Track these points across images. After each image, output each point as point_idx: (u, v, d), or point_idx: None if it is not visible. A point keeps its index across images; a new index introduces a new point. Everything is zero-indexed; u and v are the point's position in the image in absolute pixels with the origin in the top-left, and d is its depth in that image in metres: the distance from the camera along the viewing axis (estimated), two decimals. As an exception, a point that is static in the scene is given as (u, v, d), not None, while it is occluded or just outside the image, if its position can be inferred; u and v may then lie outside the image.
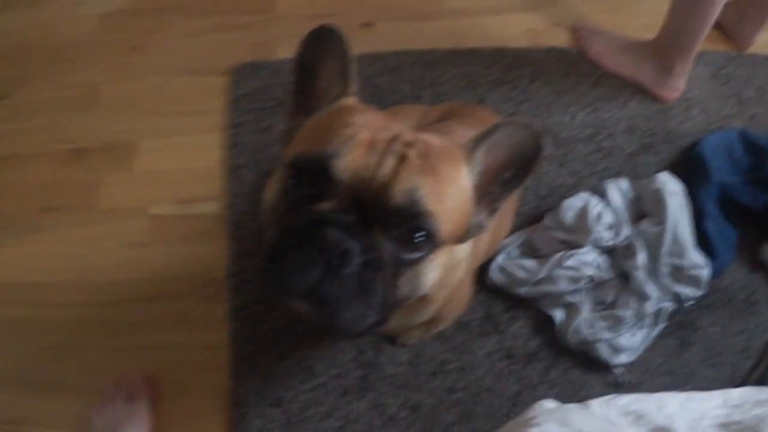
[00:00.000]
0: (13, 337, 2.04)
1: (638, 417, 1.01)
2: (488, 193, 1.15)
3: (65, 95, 2.41)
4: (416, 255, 1.03)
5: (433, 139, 1.10)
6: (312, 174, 1.00)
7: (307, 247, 0.97)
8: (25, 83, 2.45)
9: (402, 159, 1.00)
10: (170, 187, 2.20)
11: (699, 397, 1.07)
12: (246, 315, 1.97)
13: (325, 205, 0.99)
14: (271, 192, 1.11)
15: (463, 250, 1.25)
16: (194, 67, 2.43)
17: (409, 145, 1.03)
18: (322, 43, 1.13)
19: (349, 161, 0.98)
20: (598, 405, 1.06)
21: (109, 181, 2.23)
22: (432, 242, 1.02)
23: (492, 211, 1.17)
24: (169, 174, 2.23)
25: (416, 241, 1.01)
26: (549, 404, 1.19)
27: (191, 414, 1.91)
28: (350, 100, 1.16)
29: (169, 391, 1.93)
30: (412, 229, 1.00)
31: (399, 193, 0.97)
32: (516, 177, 1.13)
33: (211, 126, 2.31)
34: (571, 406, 1.09)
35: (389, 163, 0.99)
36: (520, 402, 1.88)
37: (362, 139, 1.01)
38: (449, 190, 1.04)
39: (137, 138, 2.30)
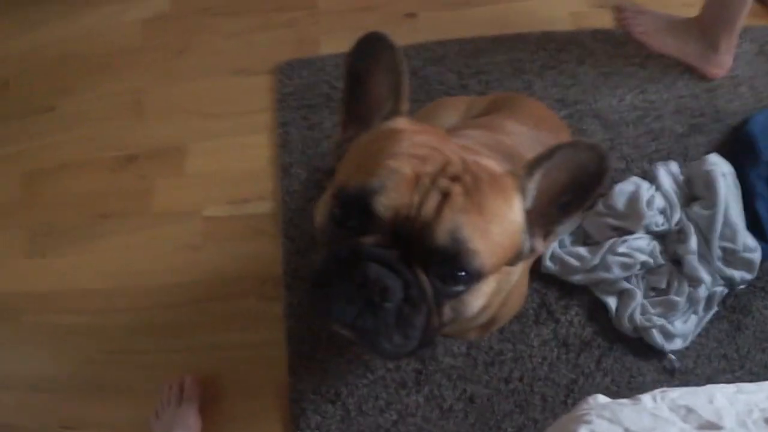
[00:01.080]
0: (76, 344, 2.12)
1: (688, 411, 1.01)
2: (544, 216, 1.10)
3: (111, 103, 2.46)
4: (459, 288, 1.02)
5: (483, 166, 1.06)
6: (356, 207, 0.99)
7: (349, 280, 0.98)
8: (70, 94, 2.50)
9: (446, 196, 0.98)
10: (222, 189, 2.25)
11: (749, 389, 1.07)
12: (303, 312, 2.01)
13: (368, 239, 0.99)
14: (319, 215, 1.11)
15: None
16: (239, 67, 2.46)
17: (455, 178, 1.00)
18: (372, 51, 1.08)
19: (392, 199, 0.97)
20: (649, 399, 1.07)
21: (161, 185, 2.29)
22: (476, 277, 1.01)
23: (548, 234, 1.12)
24: (220, 175, 2.27)
25: (459, 277, 1.00)
26: (601, 399, 1.18)
27: (252, 411, 1.98)
28: (400, 122, 1.12)
29: (230, 389, 2.00)
30: (454, 267, 0.99)
31: (441, 232, 0.96)
32: (576, 200, 1.07)
33: (260, 125, 2.34)
34: (623, 401, 1.09)
35: (432, 201, 0.97)
36: (576, 391, 1.91)
37: (407, 173, 0.98)
38: (495, 226, 1.01)
39: (186, 141, 2.34)
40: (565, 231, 2.04)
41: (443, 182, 0.99)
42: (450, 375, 1.94)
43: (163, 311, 2.12)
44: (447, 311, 1.05)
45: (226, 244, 2.18)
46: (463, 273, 0.99)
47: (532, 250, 1.12)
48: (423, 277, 0.99)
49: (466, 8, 2.53)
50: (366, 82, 1.12)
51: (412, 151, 1.03)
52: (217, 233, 2.20)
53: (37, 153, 2.43)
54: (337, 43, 2.44)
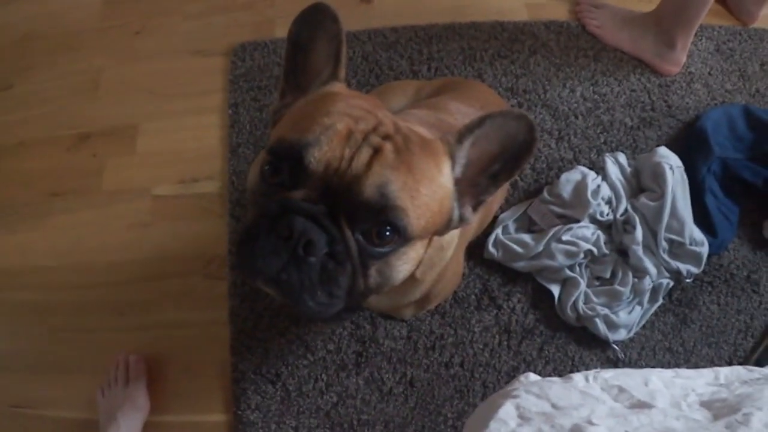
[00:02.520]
0: (23, 321, 2.07)
1: (620, 391, 0.99)
2: (474, 186, 1.09)
3: (69, 82, 2.43)
4: (385, 249, 1.00)
5: (414, 131, 1.05)
6: (288, 161, 0.98)
7: (275, 234, 0.96)
8: (28, 73, 2.47)
9: (377, 152, 0.97)
10: (172, 168, 2.22)
11: (687, 374, 1.06)
12: (246, 292, 1.97)
13: (297, 194, 0.97)
14: (252, 174, 1.09)
15: (452, 232, 1.21)
16: (195, 49, 2.43)
17: (387, 137, 1.00)
18: (315, 22, 1.08)
19: (324, 152, 0.96)
20: (581, 378, 1.05)
21: (113, 163, 2.25)
22: (402, 237, 0.99)
23: (478, 204, 1.11)
24: (171, 155, 2.24)
25: (385, 235, 0.98)
26: (532, 377, 1.18)
27: (196, 390, 1.93)
28: (337, 86, 1.13)
29: (174, 368, 1.95)
30: (380, 223, 0.97)
31: (369, 186, 0.95)
32: (505, 170, 1.06)
33: (212, 106, 2.31)
34: (554, 379, 1.08)
35: (363, 155, 0.97)
36: (513, 380, 1.85)
37: (340, 129, 0.98)
38: (424, 187, 0.99)
39: (139, 120, 2.31)
40: (508, 217, 2.02)
41: (374, 139, 0.99)
42: (390, 358, 1.90)
43: (111, 289, 2.07)
44: (373, 274, 1.03)
45: (174, 223, 2.14)
46: (389, 231, 0.98)
47: (462, 219, 1.11)
48: (348, 234, 0.98)
49: None
50: (307, 50, 1.12)
51: (347, 111, 1.02)
52: (166, 212, 2.16)
53: (-6, 131, 2.39)
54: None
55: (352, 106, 1.04)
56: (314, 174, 0.96)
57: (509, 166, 1.05)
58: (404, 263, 1.05)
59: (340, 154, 0.96)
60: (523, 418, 0.95)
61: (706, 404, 0.94)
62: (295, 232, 0.94)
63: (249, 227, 1.00)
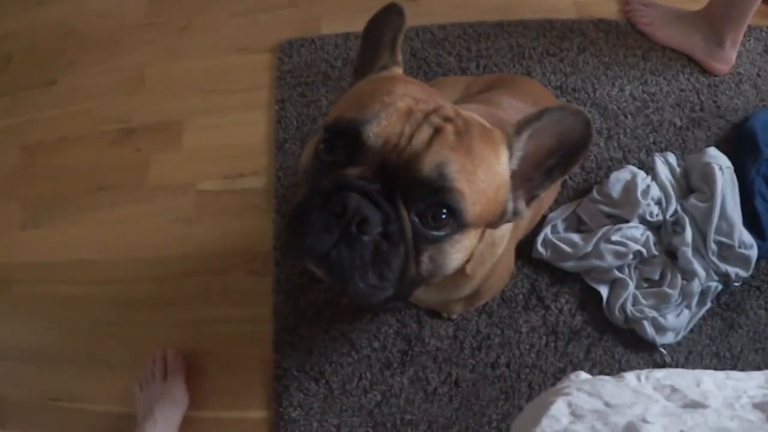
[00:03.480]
0: (66, 315, 2.09)
1: (673, 391, 0.97)
2: (529, 180, 1.08)
3: (113, 78, 2.44)
4: (440, 233, 0.98)
5: (476, 118, 1.05)
6: (345, 138, 0.97)
7: (328, 211, 0.94)
8: (72, 68, 2.49)
9: (438, 132, 0.96)
10: (217, 164, 2.22)
11: (738, 377, 1.03)
12: (290, 288, 1.97)
13: (352, 171, 0.96)
14: (306, 154, 1.09)
15: (504, 227, 1.21)
16: (240, 46, 2.44)
17: (448, 119, 0.99)
18: (386, 19, 1.12)
19: (383, 127, 0.95)
20: (633, 377, 1.04)
21: (158, 159, 2.27)
22: (457, 221, 0.97)
23: (531, 199, 1.10)
24: (216, 150, 2.25)
25: (440, 217, 0.96)
26: (583, 375, 1.17)
27: (236, 386, 1.94)
28: (396, 70, 1.14)
29: (214, 364, 1.97)
30: (436, 203, 0.95)
31: (428, 165, 0.93)
32: (560, 165, 1.05)
33: (257, 102, 2.32)
34: (605, 377, 1.06)
35: (423, 134, 0.96)
36: (562, 379, 1.84)
37: (400, 107, 0.97)
38: (482, 172, 0.98)
39: (185, 116, 2.32)
40: (557, 216, 2.01)
41: (435, 120, 0.98)
42: (436, 357, 1.90)
43: (153, 284, 2.09)
44: (425, 260, 1.01)
45: (218, 219, 2.15)
46: (445, 213, 0.96)
47: (516, 213, 1.09)
48: (404, 214, 0.96)
49: None
50: (376, 46, 1.15)
51: (407, 91, 1.02)
52: (211, 207, 2.17)
53: (37, 126, 2.41)
54: (338, 23, 2.43)
55: (413, 89, 1.04)
56: (372, 150, 0.95)
57: (564, 161, 1.05)
58: (457, 251, 1.03)
59: (400, 130, 0.95)
60: (576, 415, 0.94)
61: (759, 406, 0.92)
62: (349, 208, 0.93)
63: (300, 204, 0.99)
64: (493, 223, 1.09)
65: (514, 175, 1.06)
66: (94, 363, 2.02)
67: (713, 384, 0.99)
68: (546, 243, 1.95)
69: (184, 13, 2.53)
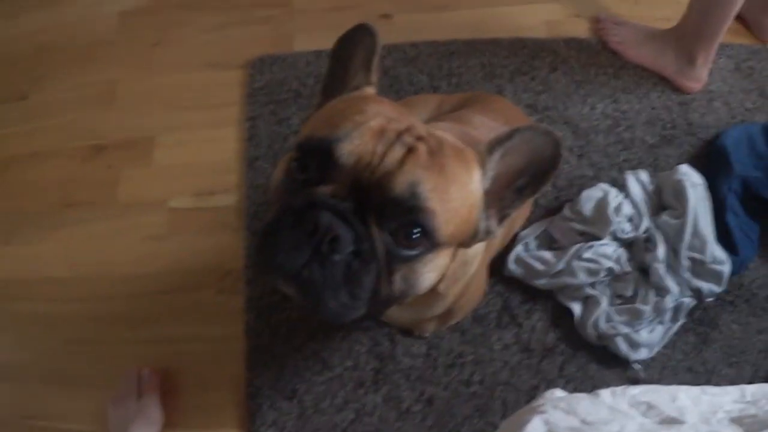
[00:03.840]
0: (35, 333, 2.07)
1: (649, 407, 1.00)
2: (500, 199, 1.10)
3: (84, 93, 2.43)
4: (412, 252, 0.99)
5: (448, 137, 1.06)
6: (317, 156, 0.98)
7: (299, 229, 0.95)
8: (43, 83, 2.48)
9: (410, 151, 0.97)
10: (188, 180, 2.22)
11: (713, 392, 1.05)
12: (262, 306, 1.97)
13: (324, 189, 0.97)
14: (278, 172, 1.09)
15: (476, 246, 1.22)
16: (212, 62, 2.44)
17: (420, 138, 1.00)
18: (356, 39, 1.13)
19: (356, 146, 0.96)
20: (608, 394, 1.05)
21: (128, 175, 2.25)
22: (430, 241, 0.98)
23: (503, 218, 1.12)
24: (188, 167, 2.24)
25: (413, 237, 0.97)
26: (558, 393, 1.19)
27: (209, 405, 1.92)
28: (369, 90, 1.15)
29: (187, 383, 1.95)
30: (409, 223, 0.96)
31: (400, 184, 0.94)
32: (531, 184, 1.08)
33: (229, 119, 2.32)
34: (580, 395, 1.08)
35: (396, 153, 0.96)
36: (537, 396, 1.85)
37: (373, 126, 0.98)
38: (454, 191, 0.99)
39: (156, 133, 2.32)
40: (529, 234, 2.03)
41: (408, 139, 0.99)
42: (409, 376, 1.90)
43: (125, 302, 2.07)
44: (398, 279, 1.02)
45: (189, 236, 2.14)
46: (417, 232, 0.97)
47: (488, 231, 1.12)
48: (376, 233, 0.97)
49: (441, 11, 2.54)
50: (345, 65, 1.16)
51: (380, 110, 1.03)
52: (182, 225, 2.16)
53: (8, 141, 2.39)
54: (311, 41, 2.45)
55: (385, 108, 1.05)
56: (344, 168, 0.95)
57: (535, 180, 1.06)
58: (429, 271, 1.04)
59: (372, 148, 0.96)
60: None
61: (736, 420, 0.95)
62: (320, 227, 0.93)
63: (271, 221, 0.99)
64: (466, 242, 1.10)
65: (486, 194, 1.08)
66: (68, 381, 1.99)
67: (689, 400, 1.01)
68: (518, 260, 1.96)
69: (156, 28, 2.53)
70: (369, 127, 0.97)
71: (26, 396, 1.98)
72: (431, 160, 0.97)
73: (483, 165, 1.05)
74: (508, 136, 1.03)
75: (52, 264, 2.15)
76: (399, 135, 0.98)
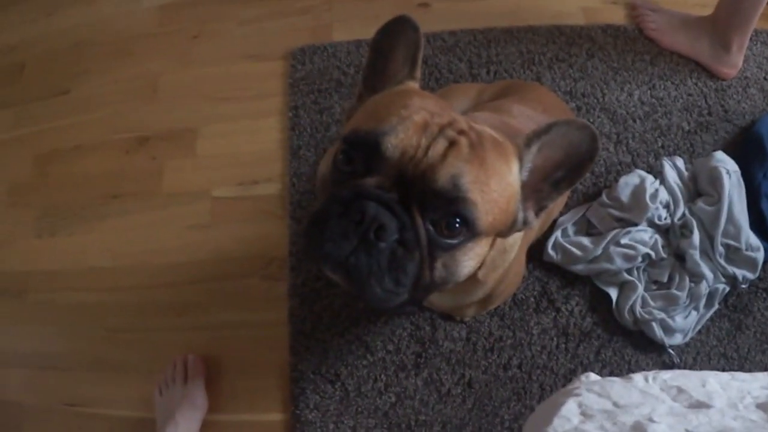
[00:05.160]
0: (82, 321, 2.16)
1: (679, 391, 1.03)
2: (537, 191, 1.14)
3: (126, 87, 2.52)
4: (453, 241, 1.04)
5: (488, 131, 1.10)
6: (363, 149, 1.03)
7: (346, 218, 1.01)
8: (85, 77, 2.56)
9: (452, 144, 1.02)
10: (232, 170, 2.29)
11: (743, 377, 1.08)
12: (305, 293, 2.05)
13: (370, 180, 1.02)
14: (324, 164, 1.15)
15: (515, 235, 1.26)
16: (252, 53, 2.51)
17: (462, 132, 1.04)
18: (397, 31, 1.16)
19: (401, 140, 1.01)
20: (641, 378, 1.09)
21: (172, 166, 2.34)
22: (470, 230, 1.03)
23: (540, 209, 1.16)
24: (231, 157, 2.32)
25: (454, 226, 1.02)
26: (593, 377, 1.23)
27: (253, 390, 2.01)
28: (412, 85, 1.19)
29: (231, 368, 2.03)
30: (450, 213, 1.01)
31: (443, 176, 0.99)
32: (567, 178, 1.12)
33: (271, 109, 2.38)
34: (614, 378, 1.11)
35: (439, 146, 1.01)
36: (573, 380, 1.91)
37: (417, 120, 1.03)
38: (494, 183, 1.04)
39: (198, 124, 2.39)
40: (568, 220, 2.08)
41: (450, 133, 1.04)
42: (449, 359, 1.97)
43: (169, 290, 2.16)
44: (439, 267, 1.07)
45: (234, 225, 2.22)
46: (458, 222, 1.02)
47: (525, 222, 1.16)
48: (419, 222, 1.02)
49: (479, 0, 2.56)
50: (387, 57, 1.20)
51: (423, 105, 1.08)
52: (226, 214, 2.24)
53: (51, 135, 2.48)
54: (350, 30, 2.50)
55: (428, 103, 1.09)
56: (389, 161, 1.01)
57: (571, 174, 1.11)
58: (469, 259, 1.09)
59: (416, 142, 1.01)
60: (586, 415, 0.99)
61: (762, 406, 0.97)
62: (367, 216, 0.99)
63: (319, 211, 1.04)
64: (504, 232, 1.15)
65: (524, 187, 1.12)
66: (113, 368, 2.08)
67: (718, 385, 1.04)
68: (556, 246, 2.02)
69: (196, 21, 2.60)
70: (413, 122, 1.03)
71: (73, 384, 2.08)
72: (472, 153, 1.02)
73: (521, 158, 1.10)
74: (546, 129, 1.08)
75: (97, 255, 2.24)
76: (441, 129, 1.04)
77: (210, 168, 2.31)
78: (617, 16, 2.50)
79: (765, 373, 1.11)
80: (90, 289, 2.19)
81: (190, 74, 2.50)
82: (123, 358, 2.08)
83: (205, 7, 2.64)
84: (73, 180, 2.37)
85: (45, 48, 2.66)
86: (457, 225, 1.02)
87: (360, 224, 1.00)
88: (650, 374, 1.10)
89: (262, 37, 2.54)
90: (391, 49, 1.18)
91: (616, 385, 1.07)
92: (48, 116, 2.51)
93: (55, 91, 2.55)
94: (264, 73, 2.46)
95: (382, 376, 1.95)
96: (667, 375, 1.09)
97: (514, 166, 1.09)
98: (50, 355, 2.13)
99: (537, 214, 1.17)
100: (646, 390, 1.05)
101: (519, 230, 1.18)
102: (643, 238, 1.97)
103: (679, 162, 2.12)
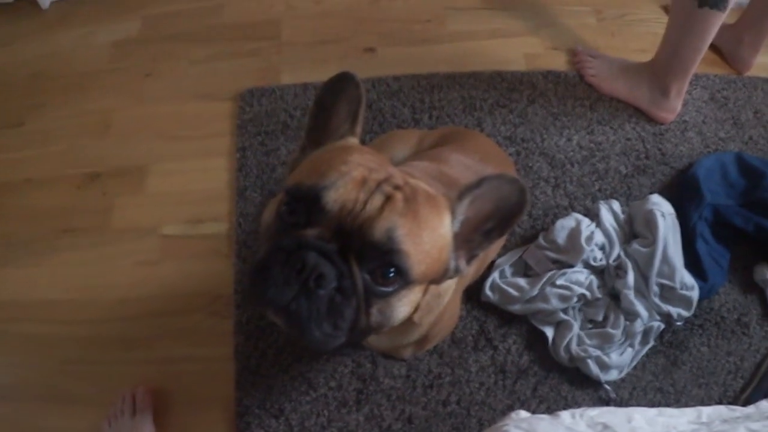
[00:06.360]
0: (31, 352, 2.17)
1: (605, 427, 1.08)
2: (469, 241, 1.21)
3: (79, 122, 2.57)
4: (388, 288, 1.11)
5: (422, 186, 1.18)
6: (305, 202, 1.10)
7: (288, 267, 1.07)
8: (39, 111, 2.62)
9: (388, 199, 1.09)
10: (180, 209, 2.35)
11: (670, 413, 1.15)
12: (251, 330, 2.10)
13: (311, 232, 1.08)
14: (268, 213, 1.22)
15: (447, 281, 1.33)
16: (203, 93, 2.58)
17: (397, 187, 1.12)
18: (339, 88, 1.24)
19: (340, 194, 1.08)
20: (568, 415, 1.16)
21: (122, 203, 2.38)
22: (404, 279, 1.10)
23: (471, 258, 1.24)
24: (179, 196, 2.37)
25: (389, 275, 1.09)
26: (523, 414, 1.30)
27: (200, 423, 2.04)
28: (353, 141, 1.27)
29: (179, 402, 2.06)
30: (385, 263, 1.07)
31: (379, 229, 1.06)
32: (497, 228, 1.19)
33: (220, 149, 2.45)
34: (542, 416, 1.18)
35: (376, 201, 1.08)
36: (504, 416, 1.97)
37: (356, 176, 1.10)
38: (426, 235, 1.10)
39: (149, 161, 2.45)
40: (505, 261, 2.16)
41: (387, 188, 1.11)
42: (390, 396, 2.03)
43: (119, 324, 2.18)
44: (375, 312, 1.14)
45: (181, 262, 2.27)
46: (393, 271, 1.09)
47: (457, 270, 1.23)
48: (356, 271, 1.08)
49: (424, 45, 2.67)
50: (329, 112, 1.27)
51: (362, 161, 1.15)
52: (174, 251, 2.29)
53: (3, 167, 2.51)
54: (298, 73, 2.59)
55: (366, 159, 1.17)
56: (329, 214, 1.07)
57: (501, 225, 1.19)
58: (404, 305, 1.16)
59: (355, 197, 1.08)
60: None
61: None
62: (307, 265, 1.05)
63: (263, 259, 1.10)
64: (437, 280, 1.22)
65: (456, 237, 1.19)
66: (64, 400, 2.09)
67: (644, 421, 1.11)
68: (494, 287, 2.09)
69: (148, 59, 2.68)
70: (352, 177, 1.10)
71: (23, 415, 2.08)
72: (406, 207, 1.09)
73: (453, 211, 1.17)
74: (477, 184, 1.15)
75: (48, 287, 2.26)
76: (379, 184, 1.11)
77: (159, 205, 2.36)
78: (558, 62, 2.60)
79: (693, 408, 1.18)
80: (42, 320, 2.21)
81: (142, 112, 2.57)
82: (74, 390, 2.10)
83: (157, 45, 2.71)
84: (24, 213, 2.40)
85: (1, 79, 2.71)
86: (392, 274, 1.09)
87: (301, 272, 1.06)
88: (577, 411, 1.17)
89: (212, 77, 2.62)
90: (333, 105, 1.26)
91: (543, 422, 1.12)
92: (1, 148, 2.55)
93: (8, 123, 2.60)
94: (214, 114, 2.53)
95: (325, 411, 2.00)
96: (594, 412, 1.16)
97: (446, 219, 1.17)
98: (1, 386, 2.14)
99: (468, 262, 1.25)
100: (573, 427, 1.10)
101: (451, 278, 1.25)
102: (579, 278, 2.05)
103: (615, 205, 2.20)
